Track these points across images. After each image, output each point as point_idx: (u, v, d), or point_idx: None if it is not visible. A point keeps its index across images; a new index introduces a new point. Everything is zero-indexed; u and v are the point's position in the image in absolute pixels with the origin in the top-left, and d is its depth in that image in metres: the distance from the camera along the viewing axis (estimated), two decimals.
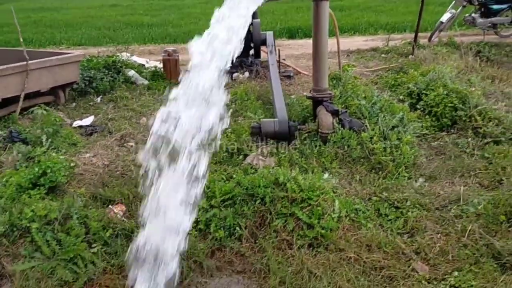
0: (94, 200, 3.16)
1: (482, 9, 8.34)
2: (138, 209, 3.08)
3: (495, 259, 2.50)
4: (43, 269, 2.58)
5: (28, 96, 4.66)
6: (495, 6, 8.27)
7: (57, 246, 2.68)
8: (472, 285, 2.34)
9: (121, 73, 5.70)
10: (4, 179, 3.19)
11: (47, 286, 2.52)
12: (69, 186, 3.26)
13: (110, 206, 3.10)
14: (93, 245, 2.77)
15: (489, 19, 8.32)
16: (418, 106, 4.47)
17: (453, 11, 8.36)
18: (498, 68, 6.29)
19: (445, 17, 8.32)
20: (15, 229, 2.76)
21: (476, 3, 8.27)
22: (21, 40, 4.34)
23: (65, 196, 3.09)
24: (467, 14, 8.60)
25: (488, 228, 2.75)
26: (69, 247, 2.67)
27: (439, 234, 2.80)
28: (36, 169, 3.16)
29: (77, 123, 4.49)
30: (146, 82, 5.74)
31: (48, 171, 3.13)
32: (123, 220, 2.99)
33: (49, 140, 3.77)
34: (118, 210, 3.07)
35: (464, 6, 8.36)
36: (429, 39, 8.36)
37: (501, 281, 2.32)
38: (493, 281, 2.35)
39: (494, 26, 8.46)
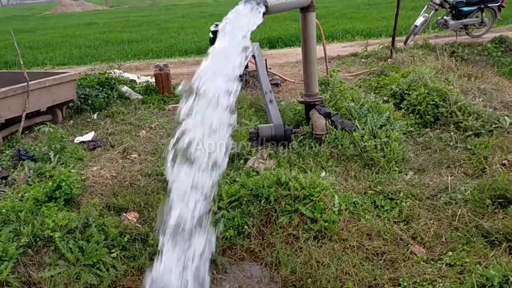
0: (108, 209, 3.33)
1: (453, 12, 8.78)
2: (150, 216, 3.28)
3: (485, 238, 2.77)
4: (69, 274, 2.75)
5: (27, 116, 4.79)
6: (465, 8, 8.71)
7: (79, 253, 2.86)
8: (466, 262, 2.59)
9: (114, 89, 5.86)
10: (19, 194, 3.34)
11: None
12: (82, 198, 3.42)
13: (123, 214, 3.27)
14: (112, 250, 2.95)
15: (460, 21, 8.76)
16: (402, 106, 4.75)
17: (426, 14, 8.76)
18: (472, 66, 6.64)
19: (419, 21, 8.72)
20: (38, 239, 2.92)
21: (447, 6, 8.69)
22: (21, 62, 4.49)
23: (80, 207, 3.26)
24: (439, 17, 9.02)
25: (476, 212, 3.01)
26: (91, 253, 2.85)
27: (432, 220, 3.06)
28: (51, 183, 3.33)
29: (78, 139, 4.65)
30: (140, 96, 5.92)
31: (63, 184, 3.29)
32: (137, 226, 3.17)
33: (57, 156, 3.93)
34: (131, 217, 3.25)
35: (436, 10, 8.78)
36: (405, 42, 8.74)
37: (492, 256, 2.58)
38: (484, 256, 2.61)
39: (465, 27, 8.90)
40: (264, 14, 2.92)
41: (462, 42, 8.53)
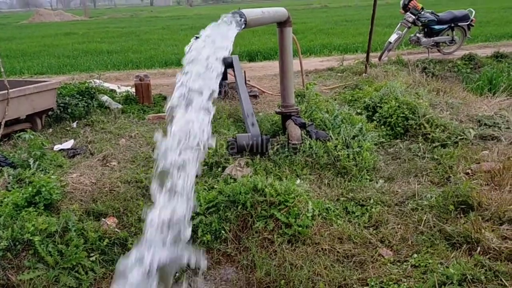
0: (87, 215, 3.40)
1: (426, 30, 9.15)
2: (129, 221, 3.37)
3: (447, 241, 2.94)
4: (48, 277, 2.81)
5: (5, 124, 4.81)
6: (436, 27, 9.09)
7: (58, 256, 2.92)
8: (429, 263, 2.75)
9: (94, 99, 5.92)
10: None
11: None
12: (62, 203, 3.48)
13: (103, 219, 3.35)
14: (91, 254, 3.03)
15: (432, 38, 9.14)
16: (374, 118, 4.96)
17: (400, 32, 9.11)
18: (442, 82, 6.95)
19: (392, 38, 9.05)
20: (17, 243, 2.96)
21: (420, 24, 9.05)
22: (2, 70, 4.53)
23: (60, 212, 3.32)
24: (412, 34, 9.38)
25: (440, 217, 3.20)
26: (70, 256, 2.92)
27: (400, 225, 3.22)
28: (30, 188, 3.38)
29: (57, 147, 4.69)
30: (120, 106, 5.99)
31: (43, 189, 3.35)
32: (116, 231, 3.24)
33: (37, 162, 3.98)
34: (111, 222, 3.33)
35: (409, 27, 9.13)
36: (379, 58, 9.05)
37: (452, 257, 2.75)
38: (446, 257, 2.78)
39: (437, 44, 9.29)
40: (243, 28, 3.06)
41: (433, 59, 8.90)
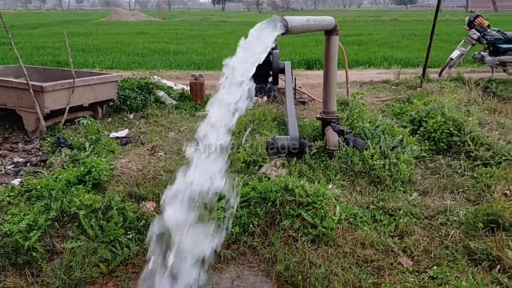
0: (130, 197, 3.69)
1: (491, 48, 8.80)
2: None
3: (469, 256, 2.93)
4: (87, 248, 3.10)
5: (70, 110, 5.26)
6: (503, 46, 8.70)
7: (99, 231, 3.21)
8: (447, 275, 2.77)
9: (152, 94, 6.32)
10: (54, 176, 3.76)
11: (91, 262, 3.04)
12: (108, 184, 3.79)
13: (143, 202, 3.62)
14: (128, 232, 3.29)
15: (498, 57, 8.75)
16: (418, 132, 4.93)
17: (463, 48, 8.86)
18: (504, 102, 6.71)
19: (454, 54, 8.83)
20: (65, 215, 3.30)
21: (485, 42, 8.74)
22: (71, 61, 4.98)
23: (106, 192, 3.63)
24: (476, 52, 9.08)
25: (468, 234, 3.18)
26: (109, 231, 3.20)
27: (425, 237, 3.23)
28: (82, 168, 3.73)
29: (113, 134, 5.08)
30: (174, 102, 6.35)
31: (93, 170, 3.68)
32: (153, 214, 3.50)
33: (92, 146, 4.35)
34: (149, 205, 3.59)
35: (473, 45, 8.84)
36: (439, 74, 8.85)
37: (470, 272, 2.75)
38: (464, 272, 2.77)
39: (503, 64, 8.87)
40: (283, 34, 3.21)
41: (497, 79, 8.55)
